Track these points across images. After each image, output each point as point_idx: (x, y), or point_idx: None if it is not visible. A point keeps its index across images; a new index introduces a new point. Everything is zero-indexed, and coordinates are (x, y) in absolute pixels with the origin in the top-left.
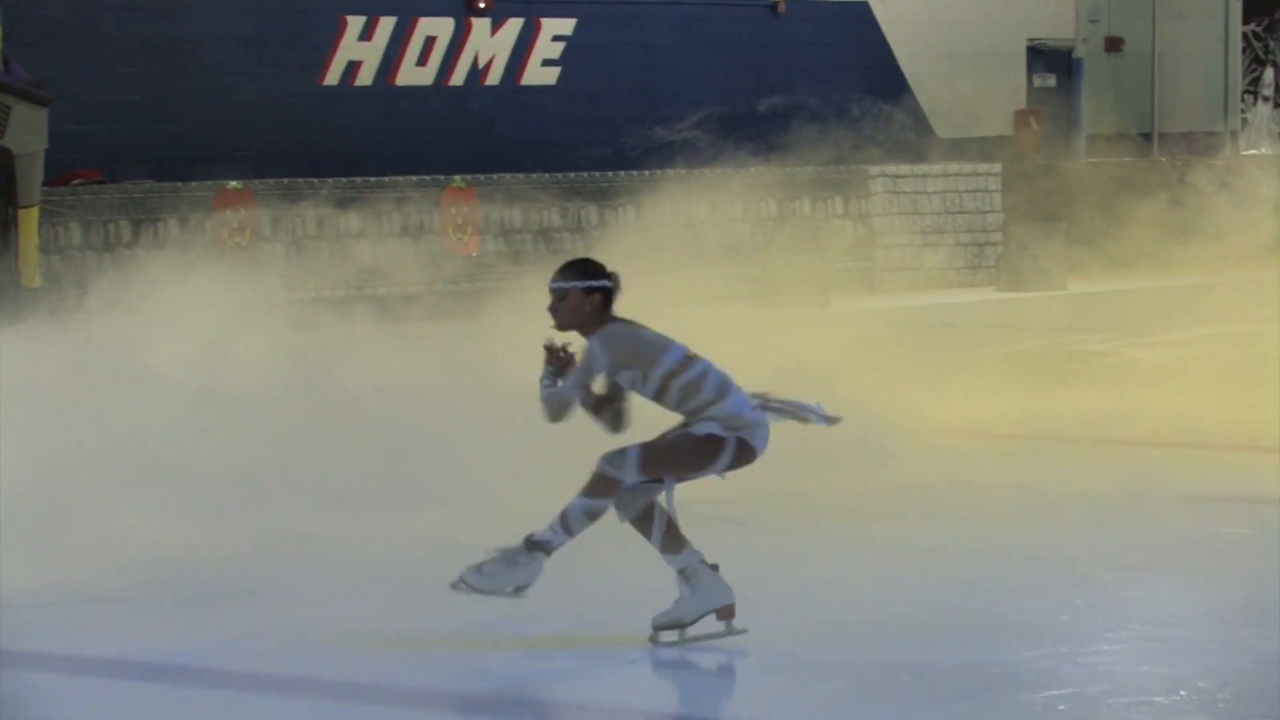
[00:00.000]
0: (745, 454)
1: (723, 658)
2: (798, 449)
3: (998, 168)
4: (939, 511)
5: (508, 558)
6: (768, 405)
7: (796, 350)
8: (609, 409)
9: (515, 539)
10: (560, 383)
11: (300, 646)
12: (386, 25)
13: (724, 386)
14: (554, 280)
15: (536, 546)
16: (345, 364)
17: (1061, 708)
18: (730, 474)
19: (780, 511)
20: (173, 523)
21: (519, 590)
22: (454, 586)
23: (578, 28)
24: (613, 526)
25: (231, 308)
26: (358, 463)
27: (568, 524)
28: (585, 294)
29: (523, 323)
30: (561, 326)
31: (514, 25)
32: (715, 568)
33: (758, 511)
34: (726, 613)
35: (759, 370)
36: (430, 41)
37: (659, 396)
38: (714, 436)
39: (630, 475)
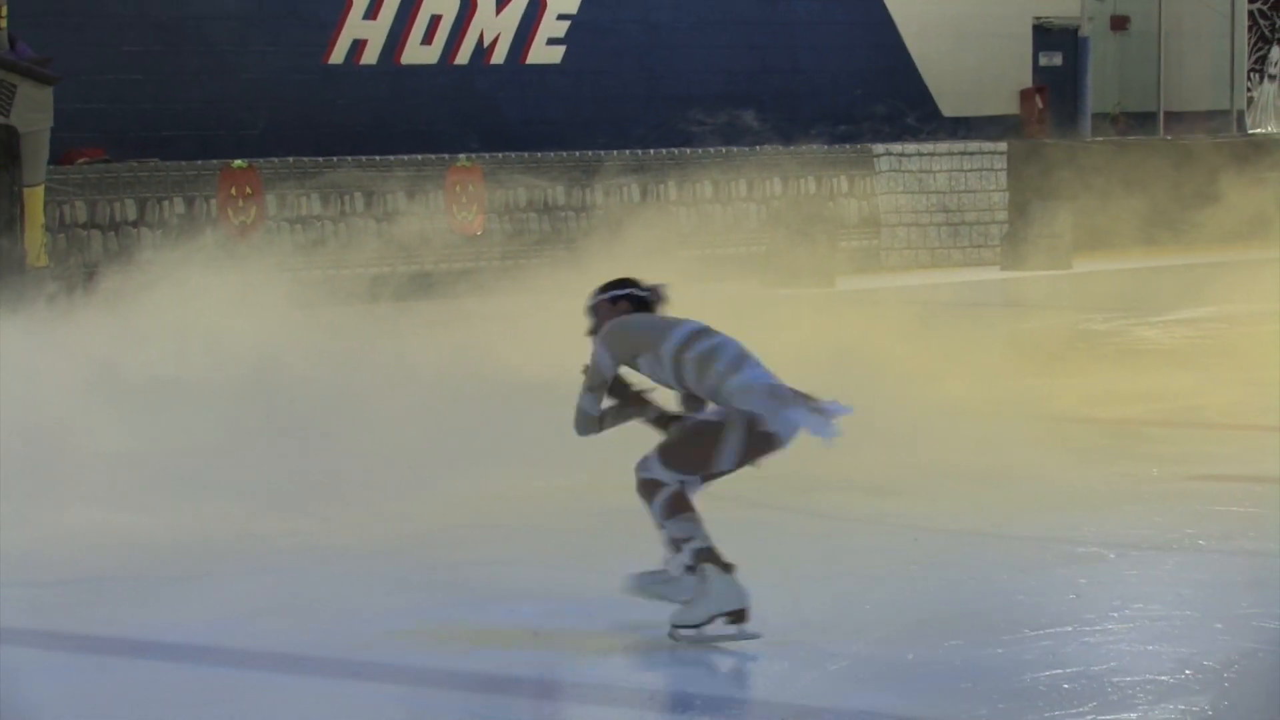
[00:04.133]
0: (761, 439)
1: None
2: None
3: (1003, 146)
4: (941, 491)
5: (699, 587)
6: (800, 399)
7: (801, 330)
8: (637, 404)
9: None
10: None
11: (300, 625)
12: (391, 3)
13: (739, 360)
14: (588, 300)
15: (692, 568)
16: (342, 345)
17: (1066, 687)
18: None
19: (781, 490)
20: (138, 508)
21: (733, 620)
22: (672, 636)
23: (582, 6)
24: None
25: (236, 287)
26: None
27: (675, 540)
28: (612, 304)
29: (524, 300)
30: None
31: (519, 3)
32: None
33: (759, 490)
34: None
35: (763, 351)
36: (435, 20)
37: (678, 376)
38: (708, 422)
39: (660, 473)
